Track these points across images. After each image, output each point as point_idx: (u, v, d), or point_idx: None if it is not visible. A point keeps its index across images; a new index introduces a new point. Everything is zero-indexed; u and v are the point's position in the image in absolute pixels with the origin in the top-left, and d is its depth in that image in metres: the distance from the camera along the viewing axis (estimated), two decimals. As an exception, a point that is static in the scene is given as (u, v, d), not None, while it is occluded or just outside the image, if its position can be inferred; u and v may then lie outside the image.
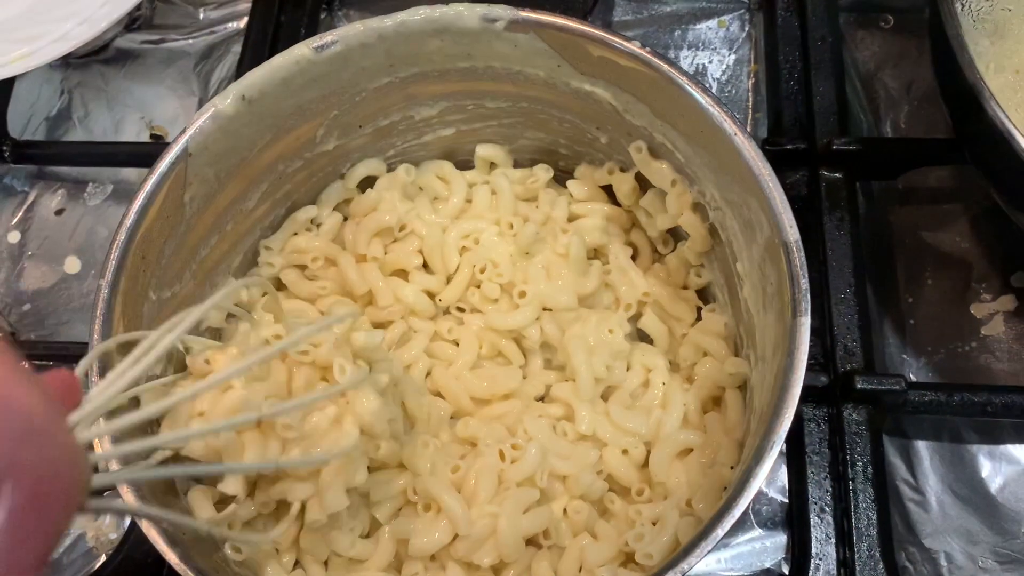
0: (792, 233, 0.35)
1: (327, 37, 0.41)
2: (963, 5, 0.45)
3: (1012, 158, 0.38)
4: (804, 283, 0.34)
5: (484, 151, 0.48)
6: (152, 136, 0.60)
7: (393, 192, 0.47)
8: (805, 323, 0.33)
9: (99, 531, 0.49)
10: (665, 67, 0.38)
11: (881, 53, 0.58)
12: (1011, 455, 0.47)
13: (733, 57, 0.58)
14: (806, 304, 0.33)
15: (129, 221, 0.39)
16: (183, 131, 0.41)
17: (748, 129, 0.55)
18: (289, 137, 0.45)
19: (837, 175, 0.50)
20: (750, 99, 0.57)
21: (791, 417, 0.32)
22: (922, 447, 0.48)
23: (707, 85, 0.57)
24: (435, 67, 0.44)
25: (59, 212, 0.58)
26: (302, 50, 0.41)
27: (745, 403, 0.41)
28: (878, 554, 0.42)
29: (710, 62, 0.58)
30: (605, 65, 0.40)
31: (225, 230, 0.44)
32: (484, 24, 0.40)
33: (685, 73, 0.38)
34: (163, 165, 0.40)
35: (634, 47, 0.39)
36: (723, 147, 0.37)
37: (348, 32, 0.41)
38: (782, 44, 0.55)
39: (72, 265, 0.56)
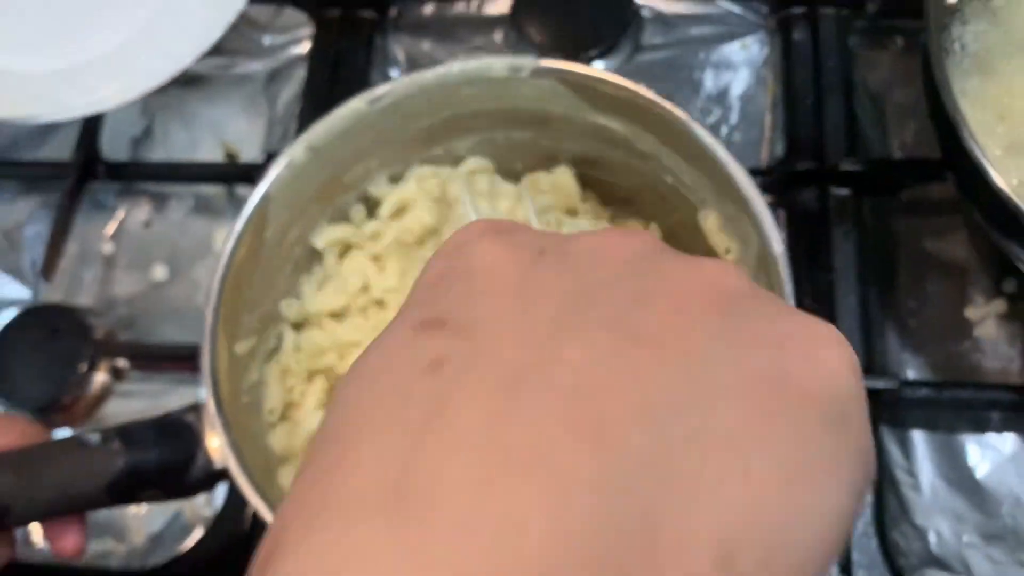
0: (778, 247, 0.40)
1: (378, 91, 0.48)
2: (953, 43, 0.50)
3: (985, 188, 0.43)
4: (788, 289, 0.40)
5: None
6: (226, 154, 0.66)
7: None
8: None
9: (193, 509, 0.56)
10: (665, 105, 0.45)
11: (890, 73, 0.63)
12: (996, 444, 0.53)
13: (753, 77, 0.64)
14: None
15: (223, 263, 0.45)
16: (263, 177, 0.47)
17: (766, 145, 0.61)
18: (347, 174, 0.51)
19: (844, 192, 0.56)
20: (768, 117, 0.62)
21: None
22: (917, 437, 0.54)
23: (730, 104, 0.63)
24: (468, 109, 0.50)
25: (147, 224, 0.65)
26: (358, 104, 0.48)
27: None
28: (872, 530, 0.49)
29: (732, 82, 0.64)
30: (615, 103, 0.46)
31: (294, 254, 0.51)
32: (510, 73, 0.47)
33: (680, 109, 0.45)
34: (249, 209, 0.47)
35: (639, 89, 0.45)
36: (718, 172, 0.43)
37: (396, 86, 0.48)
38: (796, 67, 0.60)
39: (160, 273, 0.63)
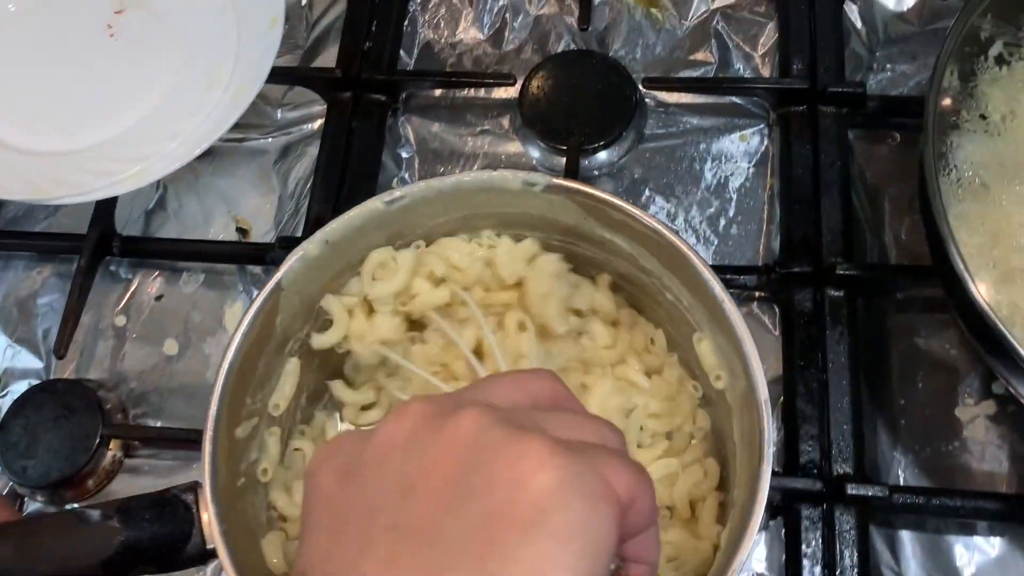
0: (763, 393, 0.42)
1: (396, 193, 0.50)
2: (950, 157, 0.52)
3: (973, 311, 0.45)
4: (768, 436, 0.41)
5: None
6: (237, 229, 0.68)
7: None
8: (766, 470, 0.41)
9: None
10: (667, 234, 0.46)
11: (887, 168, 0.65)
12: (982, 546, 0.54)
13: (752, 170, 0.65)
14: (769, 455, 0.41)
15: (231, 352, 0.47)
16: (277, 269, 0.49)
17: (764, 238, 0.63)
18: (358, 261, 0.53)
19: (839, 294, 0.57)
20: (766, 210, 0.64)
21: (747, 552, 0.40)
22: (905, 537, 0.55)
23: (729, 196, 0.64)
24: (483, 211, 0.52)
25: (159, 298, 0.67)
26: (375, 204, 0.50)
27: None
28: (860, 637, 0.50)
29: (731, 174, 0.65)
30: (622, 225, 0.48)
31: (303, 334, 0.53)
32: (525, 186, 0.49)
33: (684, 241, 0.46)
34: (260, 299, 0.49)
35: (644, 216, 0.47)
36: (715, 306, 0.45)
37: (413, 189, 0.50)
38: (795, 162, 0.62)
39: (171, 347, 0.65)
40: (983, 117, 0.54)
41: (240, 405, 0.48)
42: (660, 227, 0.46)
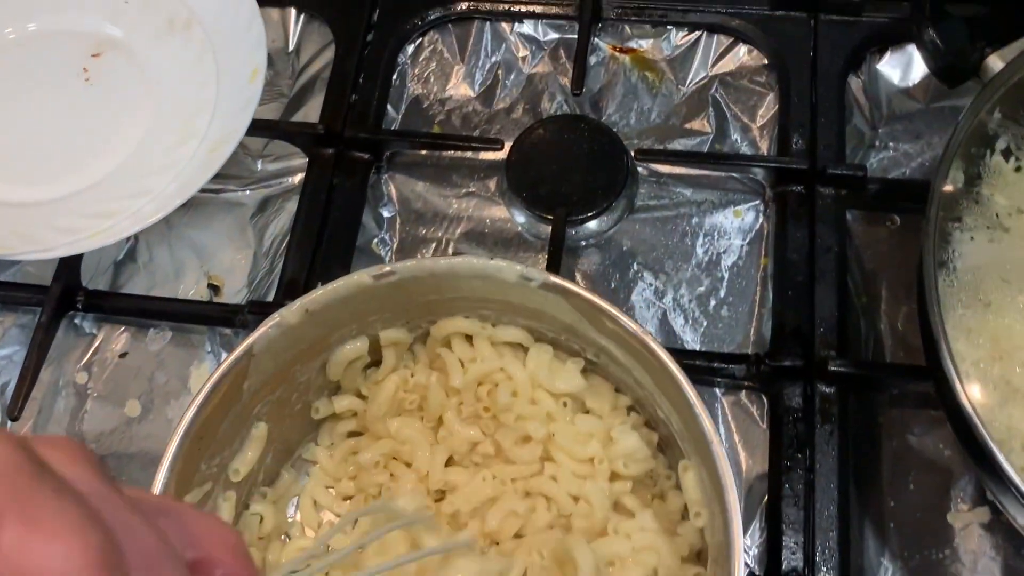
0: (738, 548, 0.40)
1: (385, 268, 0.48)
2: (952, 255, 0.49)
3: (960, 415, 0.43)
4: None
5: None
6: (209, 286, 0.65)
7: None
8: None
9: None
10: (660, 354, 0.44)
11: (885, 251, 0.62)
12: (972, 666, 0.52)
13: (746, 248, 0.63)
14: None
15: (188, 416, 0.45)
16: (249, 335, 0.47)
17: (755, 322, 0.60)
18: (343, 331, 0.51)
19: (831, 390, 0.55)
20: (758, 292, 0.61)
21: None
22: (891, 651, 0.52)
23: (721, 275, 0.62)
24: (476, 295, 0.50)
25: (123, 355, 0.64)
26: (363, 278, 0.48)
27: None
28: None
29: (724, 251, 0.63)
30: (615, 334, 0.46)
31: (275, 397, 0.51)
32: (520, 280, 0.47)
33: (676, 363, 0.44)
34: (225, 365, 0.47)
35: (637, 329, 0.44)
36: (702, 438, 0.43)
37: (404, 267, 0.48)
38: (789, 248, 0.60)
39: (133, 408, 0.62)
40: (987, 219, 0.52)
41: (192, 471, 0.46)
42: (652, 344, 0.44)
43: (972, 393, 0.43)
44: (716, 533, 0.43)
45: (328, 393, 0.55)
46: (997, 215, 0.51)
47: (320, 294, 0.47)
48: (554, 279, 0.46)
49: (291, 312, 0.47)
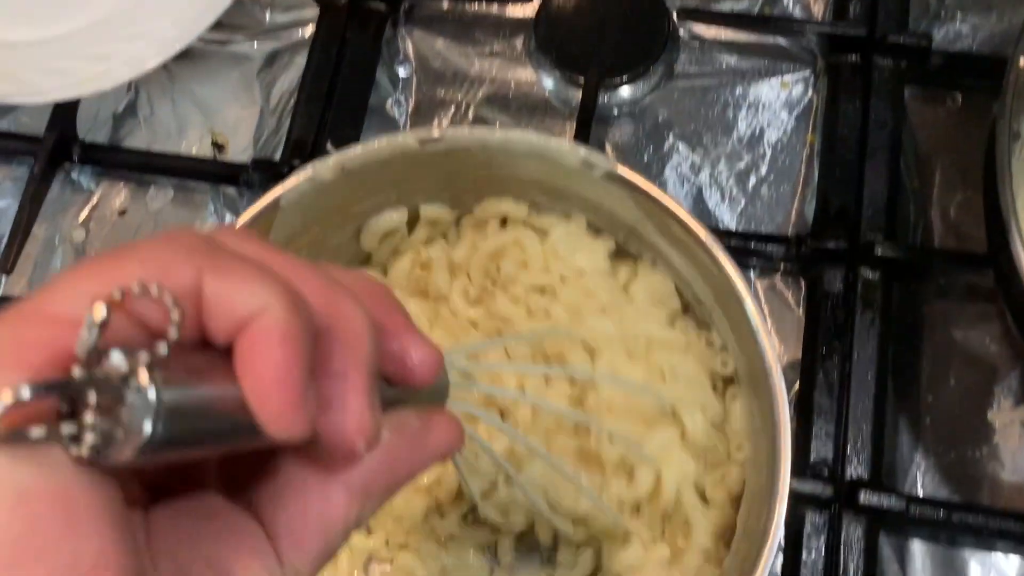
0: (784, 491, 0.37)
1: (434, 133, 0.43)
2: (1020, 141, 0.44)
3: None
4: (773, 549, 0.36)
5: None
6: (213, 143, 0.61)
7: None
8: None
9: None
10: (727, 268, 0.40)
11: (943, 133, 0.57)
12: (1001, 566, 0.49)
13: (792, 123, 0.58)
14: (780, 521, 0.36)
15: None
16: (279, 184, 0.44)
17: (796, 203, 0.56)
18: (380, 197, 0.47)
19: (875, 276, 0.51)
20: (803, 171, 0.57)
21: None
22: (917, 548, 0.50)
23: (763, 151, 0.57)
24: (531, 176, 0.46)
25: (122, 213, 0.60)
26: (408, 140, 0.44)
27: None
28: (854, 655, 0.45)
29: (768, 125, 0.58)
30: (681, 242, 0.42)
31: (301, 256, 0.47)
32: (582, 166, 0.43)
33: (746, 283, 0.40)
34: (251, 215, 0.44)
35: (706, 236, 0.40)
36: (760, 367, 0.39)
37: (455, 134, 0.44)
38: (840, 122, 0.55)
39: (132, 269, 0.59)
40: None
41: None
42: (720, 255, 0.40)
43: (1040, 277, 0.39)
44: (760, 471, 0.40)
45: (360, 264, 0.51)
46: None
47: (359, 152, 0.43)
48: (621, 170, 0.42)
49: (326, 167, 0.43)
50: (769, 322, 0.53)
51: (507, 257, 0.47)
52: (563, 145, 0.42)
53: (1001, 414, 0.52)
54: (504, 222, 0.49)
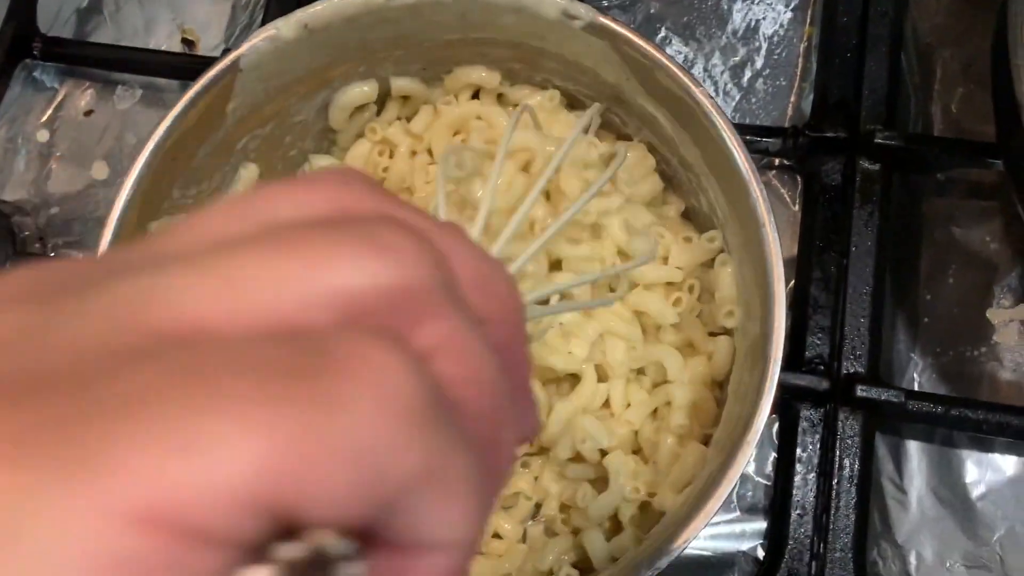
0: (778, 351, 0.35)
1: None
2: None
3: None
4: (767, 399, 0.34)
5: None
6: (183, 40, 0.58)
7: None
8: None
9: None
10: (719, 122, 0.38)
11: (944, 25, 0.55)
12: (997, 464, 0.48)
13: (789, 15, 0.55)
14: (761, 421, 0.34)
15: (163, 128, 0.40)
16: (237, 46, 0.41)
17: (794, 96, 0.54)
18: (349, 63, 0.45)
19: (874, 167, 0.49)
20: (800, 64, 0.54)
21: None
22: (912, 447, 0.49)
23: (758, 44, 0.55)
24: (509, 37, 0.43)
25: (88, 113, 0.58)
26: None
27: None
28: (850, 554, 0.44)
29: (763, 18, 0.55)
30: (669, 97, 0.39)
31: (265, 132, 0.45)
32: (562, 18, 0.40)
33: (737, 137, 0.38)
34: (209, 77, 0.41)
35: (700, 93, 0.38)
36: (754, 228, 0.37)
37: None
38: (840, 12, 0.52)
39: (100, 170, 0.56)
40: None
41: (163, 195, 0.41)
42: (713, 110, 0.37)
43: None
44: (749, 333, 0.39)
45: (328, 145, 0.49)
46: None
47: (321, 8, 0.40)
48: (603, 19, 0.39)
49: (287, 25, 0.40)
50: (764, 219, 0.52)
51: (471, 131, 0.44)
52: None
53: (1000, 313, 0.51)
54: (477, 95, 0.46)
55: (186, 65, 0.56)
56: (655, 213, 0.44)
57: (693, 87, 0.38)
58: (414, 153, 0.46)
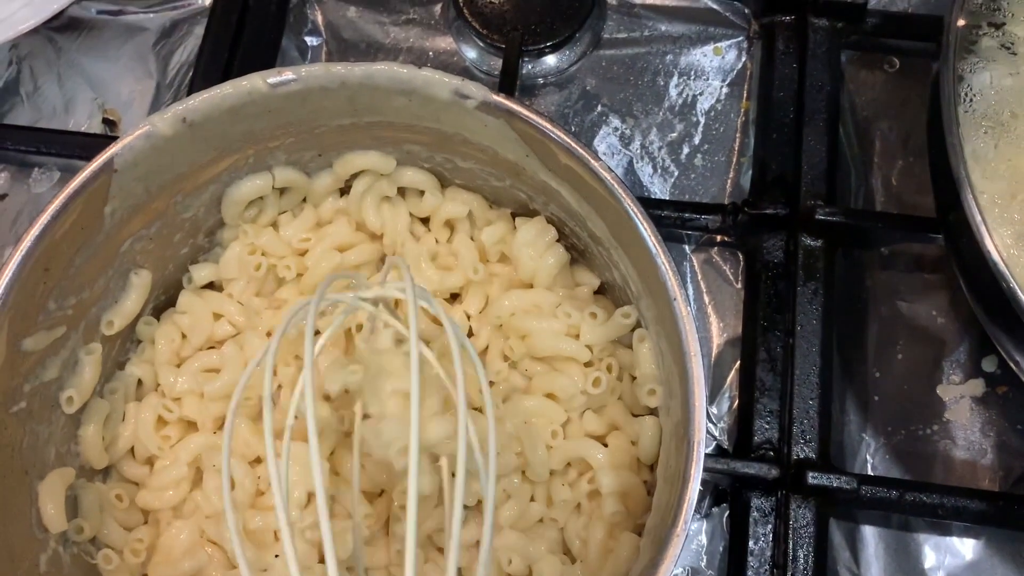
0: (700, 433, 0.33)
1: (285, 74, 0.38)
2: (965, 87, 0.42)
3: (982, 267, 0.36)
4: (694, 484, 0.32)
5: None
6: (104, 120, 0.56)
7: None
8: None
9: None
10: (622, 195, 0.36)
11: (881, 98, 0.55)
12: (956, 548, 0.46)
13: (725, 90, 0.55)
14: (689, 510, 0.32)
15: (31, 237, 0.37)
16: (110, 145, 0.38)
17: (732, 172, 0.53)
18: (237, 155, 0.42)
19: (817, 243, 0.48)
20: (738, 139, 0.54)
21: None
22: (868, 533, 0.47)
23: (696, 120, 0.54)
24: (402, 120, 0.41)
25: (2, 197, 0.55)
26: (255, 82, 0.38)
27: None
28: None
29: (700, 93, 0.55)
30: (570, 172, 0.38)
31: (152, 232, 0.42)
32: (454, 98, 0.38)
33: (640, 209, 0.36)
34: (79, 181, 0.38)
35: (599, 167, 0.36)
36: (665, 301, 0.35)
37: (308, 73, 0.39)
38: (776, 86, 0.52)
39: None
40: (1007, 45, 0.45)
41: (36, 308, 0.38)
42: (614, 183, 0.36)
43: (990, 226, 0.36)
44: (672, 412, 0.37)
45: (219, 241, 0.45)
46: (1019, 35, 0.43)
47: (201, 100, 0.38)
48: (496, 97, 0.38)
49: (163, 120, 0.38)
50: (707, 298, 0.50)
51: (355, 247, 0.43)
52: (431, 76, 0.38)
53: (950, 389, 0.50)
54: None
55: (103, 146, 0.53)
56: (564, 288, 0.42)
57: (592, 160, 0.37)
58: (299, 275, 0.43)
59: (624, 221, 0.36)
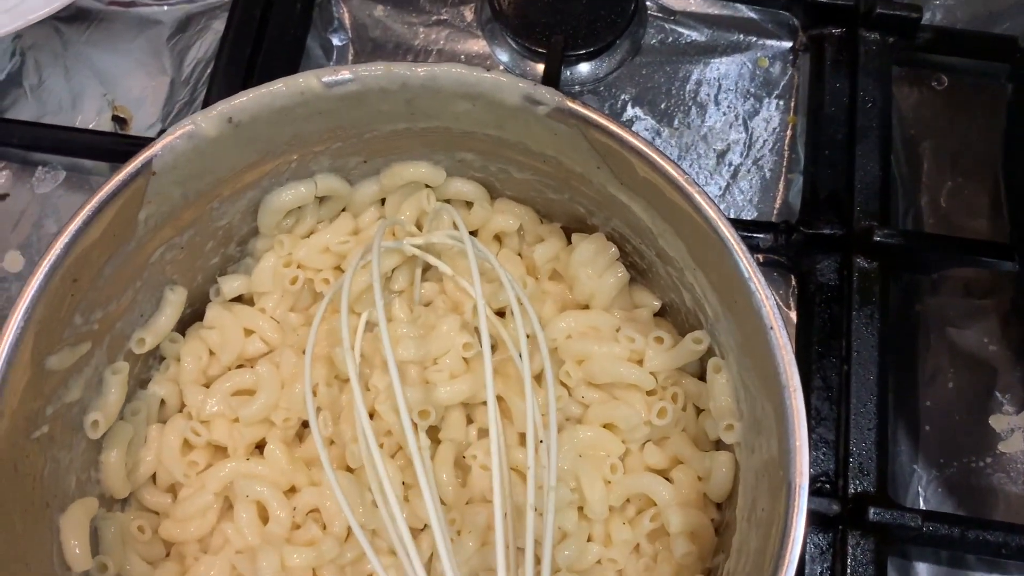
0: (801, 477, 0.30)
1: (342, 73, 0.36)
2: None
3: None
4: (798, 533, 0.30)
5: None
6: (114, 118, 0.53)
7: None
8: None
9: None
10: (713, 216, 0.33)
11: (930, 117, 0.53)
12: (1011, 587, 0.45)
13: (771, 103, 0.53)
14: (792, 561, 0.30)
15: (60, 244, 0.33)
16: (149, 145, 0.35)
17: (781, 190, 0.51)
18: (280, 160, 0.39)
19: (872, 266, 0.46)
20: (786, 155, 0.52)
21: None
22: (922, 570, 0.45)
23: (740, 133, 0.52)
24: (460, 127, 0.38)
25: (2, 197, 0.51)
26: (311, 81, 0.36)
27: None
28: None
29: (745, 106, 0.53)
30: (648, 187, 0.35)
31: (184, 241, 0.39)
32: (525, 104, 0.35)
33: (738, 238, 0.33)
34: (114, 183, 0.35)
35: (685, 182, 0.33)
36: (756, 336, 0.32)
37: (367, 72, 0.36)
38: (827, 102, 0.50)
39: (14, 262, 0.50)
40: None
41: (62, 323, 0.34)
42: (703, 202, 0.33)
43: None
44: (757, 451, 0.34)
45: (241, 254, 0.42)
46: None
47: (249, 99, 0.35)
48: (572, 104, 0.35)
49: (207, 119, 0.35)
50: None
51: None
52: (500, 79, 0.35)
53: (1003, 419, 0.48)
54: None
55: (115, 146, 0.50)
56: (621, 309, 0.40)
57: (679, 177, 0.34)
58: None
59: (710, 242, 0.33)
